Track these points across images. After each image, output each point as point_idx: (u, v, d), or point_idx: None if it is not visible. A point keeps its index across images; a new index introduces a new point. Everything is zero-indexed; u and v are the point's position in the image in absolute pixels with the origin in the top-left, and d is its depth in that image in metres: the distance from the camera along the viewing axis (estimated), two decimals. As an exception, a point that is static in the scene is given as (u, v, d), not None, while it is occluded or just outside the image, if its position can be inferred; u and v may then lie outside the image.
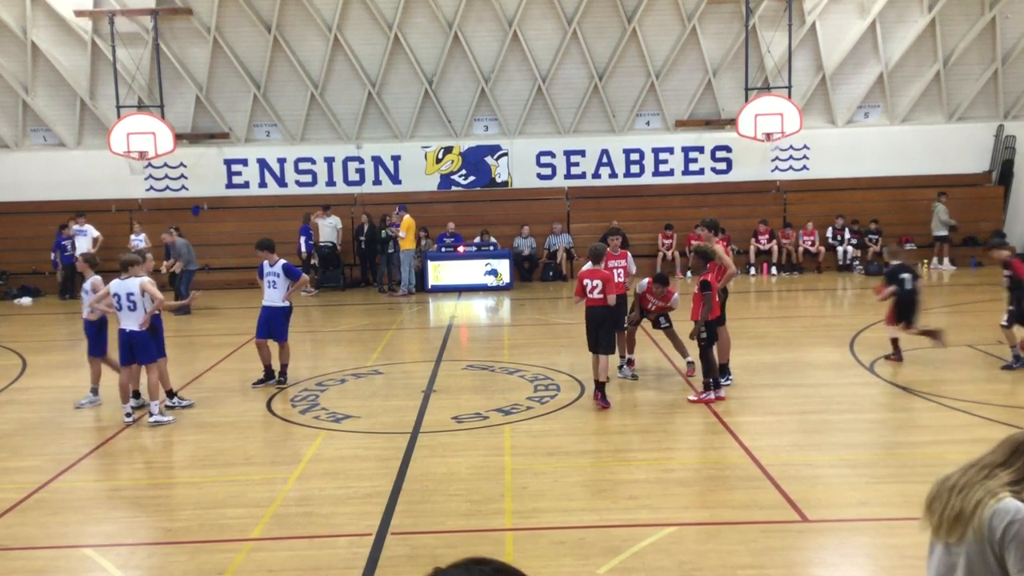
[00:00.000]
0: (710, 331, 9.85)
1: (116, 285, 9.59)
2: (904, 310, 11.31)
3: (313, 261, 21.02)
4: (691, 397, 9.86)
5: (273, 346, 11.20)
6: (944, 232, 21.21)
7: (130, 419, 9.57)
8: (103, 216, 22.37)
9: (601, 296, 9.62)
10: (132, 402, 9.85)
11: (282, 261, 11.18)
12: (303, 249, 20.72)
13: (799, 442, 8.25)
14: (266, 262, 11.16)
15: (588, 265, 10.03)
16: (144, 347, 9.63)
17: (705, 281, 9.78)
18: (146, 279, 9.66)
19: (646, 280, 10.99)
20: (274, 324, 11.08)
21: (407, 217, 19.87)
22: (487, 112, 23.26)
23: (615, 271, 10.47)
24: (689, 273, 10.45)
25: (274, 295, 11.09)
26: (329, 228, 21.39)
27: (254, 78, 22.58)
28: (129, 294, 9.53)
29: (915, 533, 6.02)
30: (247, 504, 7.09)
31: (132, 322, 9.58)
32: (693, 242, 20.59)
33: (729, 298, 10.75)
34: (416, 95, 22.86)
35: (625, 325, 10.91)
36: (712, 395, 9.73)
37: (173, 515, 6.89)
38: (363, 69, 22.42)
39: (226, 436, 9.10)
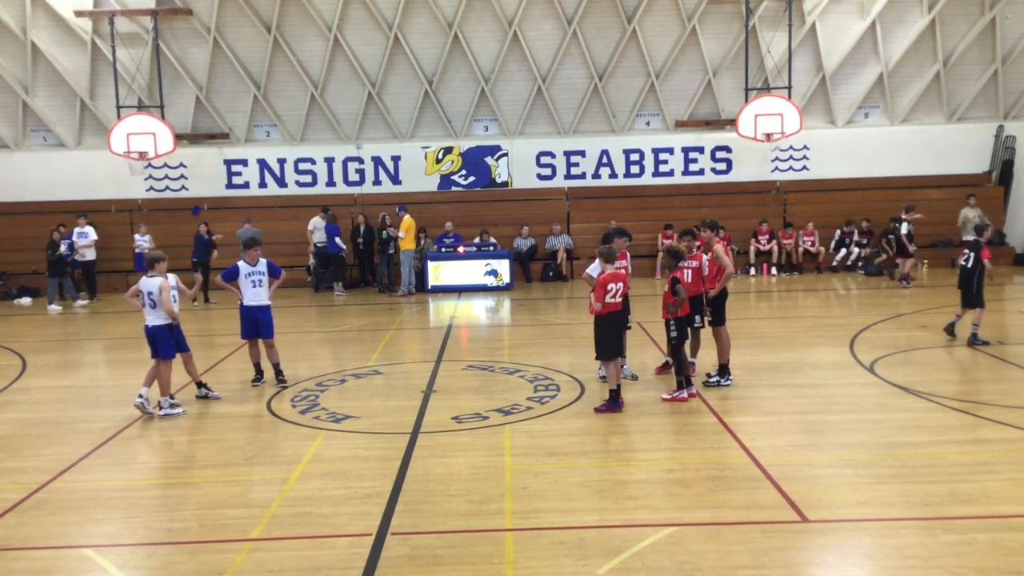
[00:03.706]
0: (681, 329, 9.88)
1: (143, 282, 10.02)
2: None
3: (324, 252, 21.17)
4: (664, 396, 9.91)
5: (261, 346, 11.23)
6: (972, 236, 20.90)
7: (139, 402, 9.86)
8: (103, 216, 22.39)
9: (616, 300, 9.58)
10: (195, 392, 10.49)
11: (264, 260, 11.20)
12: (341, 246, 20.89)
13: (799, 442, 8.24)
14: (245, 262, 11.14)
15: (597, 267, 9.95)
16: (162, 342, 9.93)
17: (675, 277, 9.83)
18: (162, 280, 9.96)
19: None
20: (263, 323, 11.09)
21: (407, 217, 19.88)
22: (487, 112, 23.27)
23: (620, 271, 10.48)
24: (665, 271, 10.30)
25: (260, 294, 11.09)
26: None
27: (254, 78, 22.59)
28: (150, 292, 9.92)
29: (915, 533, 6.05)
30: (247, 504, 7.09)
31: (154, 318, 9.96)
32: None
33: (729, 298, 10.75)
34: (416, 95, 22.87)
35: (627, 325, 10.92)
36: (685, 393, 9.77)
37: (173, 515, 6.88)
38: (363, 69, 22.43)
39: (226, 436, 9.10)
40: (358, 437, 8.84)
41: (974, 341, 12.32)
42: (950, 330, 12.79)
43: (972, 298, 12.57)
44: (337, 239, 20.77)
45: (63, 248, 19.86)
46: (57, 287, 19.89)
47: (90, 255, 20.70)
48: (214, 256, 19.74)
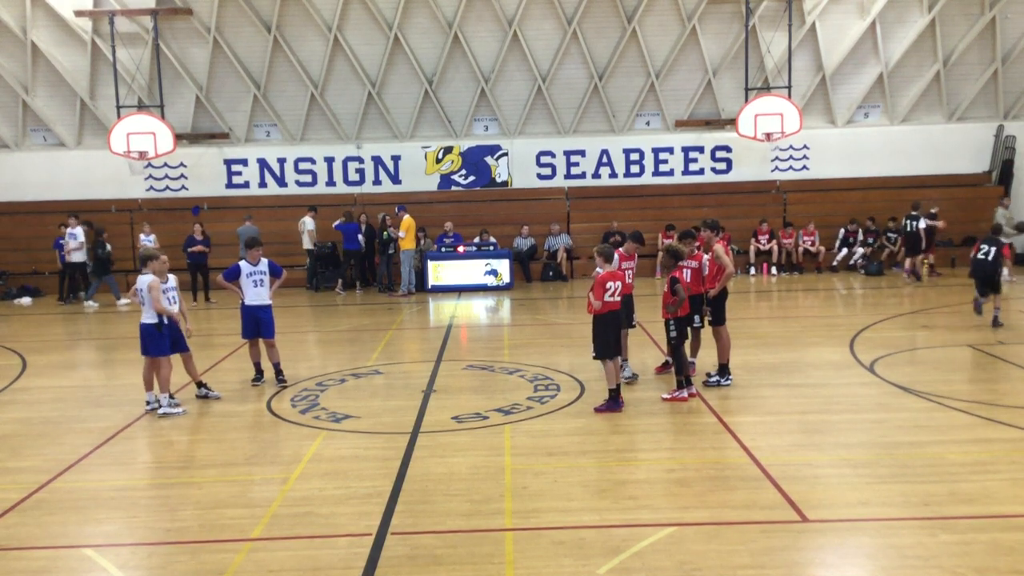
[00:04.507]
0: (681, 329, 9.88)
1: (138, 280, 10.11)
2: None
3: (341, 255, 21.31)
4: (664, 396, 9.91)
5: (261, 346, 11.25)
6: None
7: (149, 407, 10.00)
8: (104, 216, 22.37)
9: (616, 299, 9.59)
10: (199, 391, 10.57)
11: (266, 259, 11.21)
12: (363, 245, 20.97)
13: (799, 442, 8.25)
14: (246, 262, 11.15)
15: (599, 268, 9.94)
16: (147, 339, 9.96)
17: (674, 277, 9.85)
18: (148, 277, 9.94)
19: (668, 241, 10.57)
20: (264, 322, 11.11)
21: (406, 217, 19.89)
22: (487, 112, 23.27)
23: (627, 272, 10.50)
24: (665, 271, 10.31)
25: (262, 293, 11.10)
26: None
27: (254, 78, 22.58)
28: (140, 289, 9.99)
29: (915, 533, 6.05)
30: (247, 504, 7.09)
31: (144, 315, 10.01)
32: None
33: (729, 298, 10.74)
34: (416, 95, 22.87)
35: (634, 323, 10.93)
36: (685, 393, 9.79)
37: (173, 515, 6.89)
38: (363, 69, 22.43)
39: (226, 436, 9.10)
40: (358, 437, 8.85)
41: (995, 323, 13.58)
42: (995, 323, 13.62)
43: (997, 285, 13.76)
44: (359, 236, 20.86)
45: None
46: (98, 286, 19.81)
47: (78, 257, 20.15)
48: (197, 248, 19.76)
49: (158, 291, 9.89)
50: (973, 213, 22.12)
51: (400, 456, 8.11)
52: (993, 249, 13.68)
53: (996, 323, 13.60)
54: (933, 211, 20.46)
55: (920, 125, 23.29)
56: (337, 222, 21.07)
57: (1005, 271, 14.01)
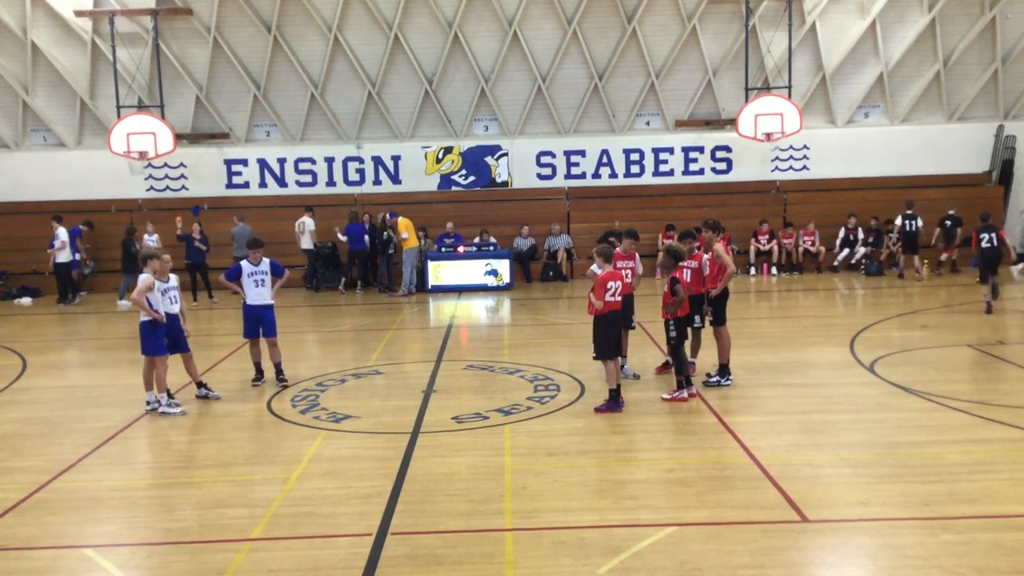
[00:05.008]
0: (680, 329, 9.88)
1: (139, 279, 10.09)
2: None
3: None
4: (664, 396, 9.91)
5: (263, 345, 11.26)
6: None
7: (150, 407, 9.98)
8: (103, 216, 22.38)
9: (616, 299, 9.59)
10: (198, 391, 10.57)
11: (267, 259, 11.22)
12: (368, 245, 20.87)
13: (799, 442, 8.25)
14: (247, 262, 11.16)
15: (596, 268, 9.94)
16: (144, 339, 9.98)
17: (674, 277, 9.86)
18: (144, 276, 9.95)
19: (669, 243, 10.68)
20: (265, 322, 11.12)
21: (401, 219, 19.93)
22: (487, 112, 23.27)
23: (624, 271, 10.50)
24: (665, 271, 10.29)
25: (263, 293, 11.11)
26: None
27: (254, 78, 22.58)
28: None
29: (915, 533, 6.05)
30: (247, 504, 7.09)
31: (143, 314, 9.99)
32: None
33: (729, 298, 10.74)
34: (416, 95, 22.87)
35: (631, 325, 10.91)
36: (685, 393, 9.78)
37: (173, 515, 6.89)
38: (363, 69, 22.43)
39: (226, 436, 9.10)
40: (358, 437, 8.85)
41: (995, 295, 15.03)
42: (995, 294, 15.04)
43: (996, 270, 15.29)
44: (366, 237, 20.84)
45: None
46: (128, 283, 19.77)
47: (62, 257, 19.88)
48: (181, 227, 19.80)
49: (145, 288, 9.82)
50: (973, 213, 22.03)
51: (400, 456, 8.11)
52: (994, 235, 15.23)
53: (995, 292, 14.99)
54: (951, 212, 20.56)
55: (920, 125, 23.29)
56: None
57: (1015, 268, 15.20)
